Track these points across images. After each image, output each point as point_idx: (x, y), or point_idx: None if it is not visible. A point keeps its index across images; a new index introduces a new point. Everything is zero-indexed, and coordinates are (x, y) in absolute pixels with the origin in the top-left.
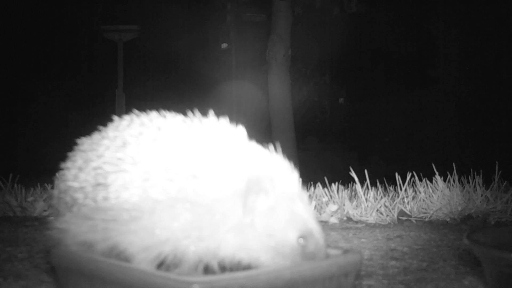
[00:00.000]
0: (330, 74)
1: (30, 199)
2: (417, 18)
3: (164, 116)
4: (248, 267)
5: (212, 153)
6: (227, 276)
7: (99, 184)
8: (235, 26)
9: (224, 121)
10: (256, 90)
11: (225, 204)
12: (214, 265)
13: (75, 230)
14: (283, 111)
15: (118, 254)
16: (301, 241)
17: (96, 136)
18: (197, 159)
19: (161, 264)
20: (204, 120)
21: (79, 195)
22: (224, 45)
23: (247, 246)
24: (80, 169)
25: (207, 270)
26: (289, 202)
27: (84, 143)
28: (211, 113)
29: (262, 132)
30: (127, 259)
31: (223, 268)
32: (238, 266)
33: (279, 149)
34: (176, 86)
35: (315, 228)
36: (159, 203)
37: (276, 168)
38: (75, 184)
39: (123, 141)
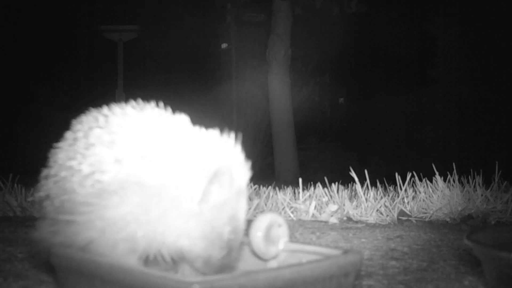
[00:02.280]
0: (330, 74)
1: (30, 199)
2: (417, 18)
3: (119, 108)
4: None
5: (164, 137)
6: (227, 276)
7: (60, 189)
8: (235, 26)
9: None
10: (256, 90)
11: (177, 189)
12: (164, 254)
13: (45, 235)
14: (283, 111)
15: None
16: (232, 235)
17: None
18: (147, 143)
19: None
20: (161, 111)
21: (46, 203)
22: (224, 45)
23: (191, 234)
24: (46, 178)
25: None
26: (237, 197)
27: (51, 151)
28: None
29: (262, 132)
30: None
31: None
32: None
33: (240, 139)
34: (176, 86)
35: (242, 224)
36: (110, 191)
37: (235, 161)
38: (42, 194)
39: (74, 138)
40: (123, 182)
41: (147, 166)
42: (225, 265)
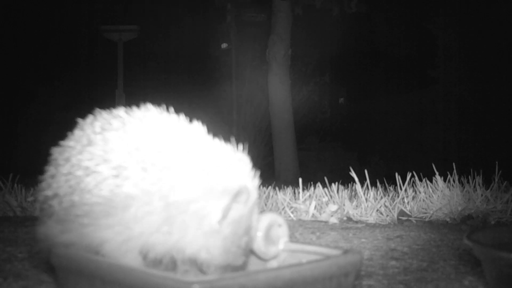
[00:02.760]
0: (330, 74)
1: (30, 199)
2: (417, 18)
3: (131, 111)
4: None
5: (185, 148)
6: (227, 276)
7: (71, 188)
8: (235, 26)
9: (197, 123)
10: (256, 90)
11: (197, 204)
12: (179, 259)
13: (52, 233)
14: (283, 111)
15: (97, 252)
16: (248, 245)
17: (66, 139)
18: (170, 153)
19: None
20: (174, 115)
21: (54, 202)
22: (224, 45)
23: (211, 247)
24: (53, 176)
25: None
26: (252, 211)
27: (55, 150)
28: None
29: (262, 132)
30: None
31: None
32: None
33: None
34: (176, 86)
35: (254, 231)
36: (133, 198)
37: (249, 177)
38: (49, 193)
39: (88, 139)
40: (147, 192)
41: (171, 179)
42: (237, 268)
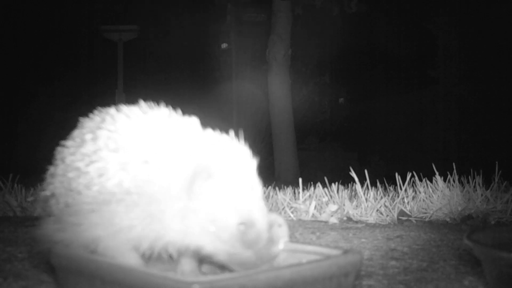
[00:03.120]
0: (330, 74)
1: (30, 199)
2: (417, 18)
3: (121, 109)
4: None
5: (163, 140)
6: (227, 276)
7: (65, 189)
8: (235, 26)
9: (177, 113)
10: (256, 90)
11: (172, 189)
12: (171, 252)
13: (50, 232)
14: (283, 111)
15: (94, 250)
16: (242, 227)
17: (67, 138)
18: (152, 147)
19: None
20: (159, 111)
21: (52, 202)
22: (224, 45)
23: (191, 231)
24: (51, 176)
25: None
26: (235, 189)
27: (56, 149)
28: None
29: (262, 132)
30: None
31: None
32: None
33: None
34: (176, 86)
35: (257, 216)
36: (113, 194)
37: (227, 156)
38: (48, 193)
39: (81, 139)
40: (128, 189)
41: (150, 172)
42: (255, 264)
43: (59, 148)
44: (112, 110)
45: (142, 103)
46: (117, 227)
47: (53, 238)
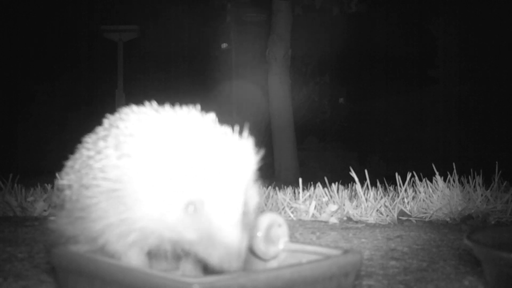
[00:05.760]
0: (330, 74)
1: (30, 199)
2: (417, 18)
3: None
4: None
5: (177, 141)
6: (227, 276)
7: (78, 184)
8: (235, 26)
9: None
10: (256, 90)
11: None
12: (181, 253)
13: (61, 226)
14: (283, 111)
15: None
16: (191, 209)
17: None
18: (156, 146)
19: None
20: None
21: (65, 196)
22: (224, 45)
23: (139, 217)
24: (70, 168)
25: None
26: (180, 169)
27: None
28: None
29: (262, 132)
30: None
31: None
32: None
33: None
34: (176, 86)
35: (212, 194)
36: (113, 189)
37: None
38: (65, 182)
39: (97, 137)
40: (126, 183)
41: (140, 169)
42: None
43: (81, 145)
44: (127, 109)
45: (151, 104)
46: (116, 221)
47: (65, 232)
